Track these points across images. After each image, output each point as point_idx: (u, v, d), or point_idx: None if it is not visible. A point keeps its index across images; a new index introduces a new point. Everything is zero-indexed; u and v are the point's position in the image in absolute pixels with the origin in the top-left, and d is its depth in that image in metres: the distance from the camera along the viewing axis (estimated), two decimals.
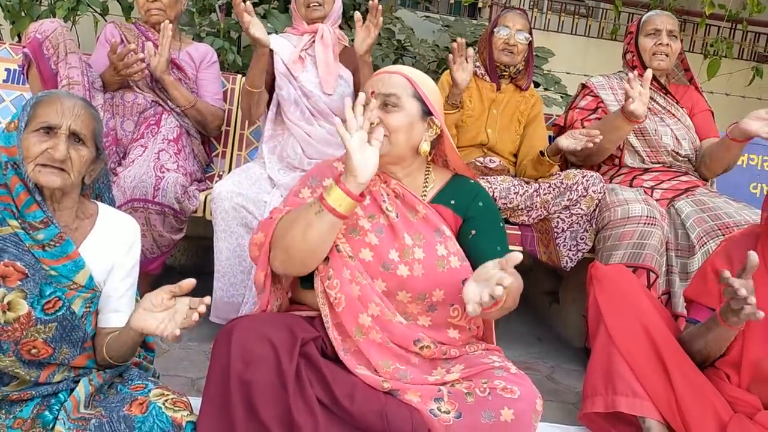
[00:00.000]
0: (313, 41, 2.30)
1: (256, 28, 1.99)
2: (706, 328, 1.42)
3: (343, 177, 1.26)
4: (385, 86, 1.37)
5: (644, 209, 2.06)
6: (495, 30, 2.33)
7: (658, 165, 2.34)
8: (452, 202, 1.42)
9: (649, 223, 2.04)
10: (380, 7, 2.06)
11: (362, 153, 1.23)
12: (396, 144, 1.36)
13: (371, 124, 1.28)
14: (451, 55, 2.13)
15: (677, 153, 2.33)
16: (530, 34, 2.36)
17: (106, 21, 2.85)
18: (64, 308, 1.21)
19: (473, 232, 1.39)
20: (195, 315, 1.14)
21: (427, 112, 1.39)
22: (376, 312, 1.31)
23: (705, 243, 2.04)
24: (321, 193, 1.28)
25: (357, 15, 2.09)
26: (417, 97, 1.38)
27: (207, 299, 1.17)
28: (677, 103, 2.41)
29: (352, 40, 2.17)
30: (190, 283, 1.17)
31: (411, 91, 1.38)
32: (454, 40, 2.13)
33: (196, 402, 1.24)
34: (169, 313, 1.17)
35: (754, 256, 1.27)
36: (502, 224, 1.44)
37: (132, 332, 1.22)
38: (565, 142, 2.09)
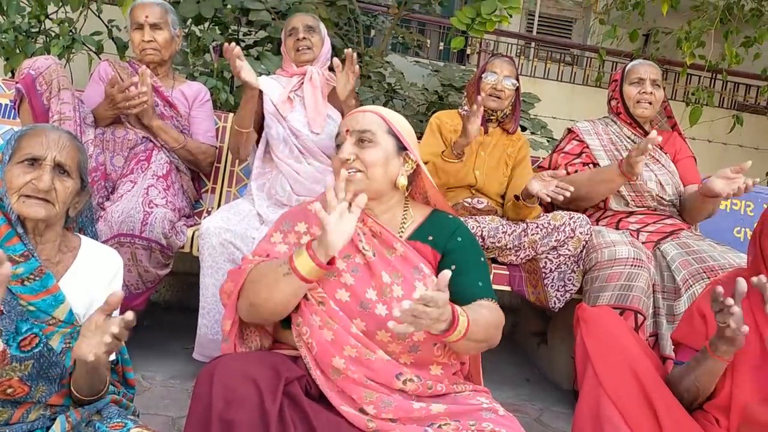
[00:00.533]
0: (302, 82, 2.34)
1: (246, 71, 2.05)
2: (695, 362, 1.41)
3: (314, 244, 1.26)
4: (360, 124, 1.40)
5: (631, 251, 2.08)
6: (483, 76, 2.39)
7: (643, 209, 2.37)
8: (430, 238, 1.42)
9: (635, 265, 2.06)
10: (354, 55, 2.11)
11: (338, 227, 1.23)
12: (374, 179, 1.38)
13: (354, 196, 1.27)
14: (466, 108, 2.16)
15: (661, 198, 2.37)
16: (517, 80, 2.42)
17: (100, 59, 2.89)
18: (41, 345, 1.18)
19: (453, 267, 1.38)
20: (107, 338, 1.08)
21: (401, 148, 1.43)
22: (353, 353, 1.29)
23: (690, 286, 2.05)
24: (291, 254, 1.28)
25: (336, 61, 2.13)
26: (391, 133, 1.42)
27: (116, 304, 1.11)
28: (661, 149, 2.46)
29: None
30: (117, 297, 1.11)
31: (385, 127, 1.42)
32: (459, 88, 2.20)
33: None
34: (99, 336, 1.11)
35: (742, 282, 1.25)
36: (483, 259, 1.44)
37: (78, 362, 1.18)
38: (536, 186, 2.08)
